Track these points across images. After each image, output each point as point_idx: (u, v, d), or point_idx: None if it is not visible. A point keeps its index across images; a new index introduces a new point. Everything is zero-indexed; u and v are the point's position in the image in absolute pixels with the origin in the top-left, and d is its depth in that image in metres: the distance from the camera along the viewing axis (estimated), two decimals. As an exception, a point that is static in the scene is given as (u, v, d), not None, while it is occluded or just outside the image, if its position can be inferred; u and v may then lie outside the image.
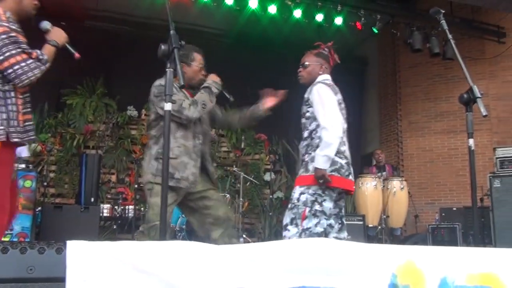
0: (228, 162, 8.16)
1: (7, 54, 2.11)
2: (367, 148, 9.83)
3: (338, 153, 2.79)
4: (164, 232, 1.90)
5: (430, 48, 7.65)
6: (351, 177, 2.82)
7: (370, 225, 6.64)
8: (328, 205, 2.71)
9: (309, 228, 2.66)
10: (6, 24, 2.17)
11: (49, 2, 7.04)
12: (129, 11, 7.46)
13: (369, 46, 9.68)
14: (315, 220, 2.68)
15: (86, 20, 7.66)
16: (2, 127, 2.08)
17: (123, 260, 1.27)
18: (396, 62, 9.32)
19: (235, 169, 7.46)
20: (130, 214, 6.71)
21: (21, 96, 2.20)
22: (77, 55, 2.39)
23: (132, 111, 8.10)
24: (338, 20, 7.11)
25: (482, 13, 8.24)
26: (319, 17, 7.07)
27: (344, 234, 2.87)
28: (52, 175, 7.30)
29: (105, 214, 6.72)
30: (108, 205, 6.99)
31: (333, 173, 2.72)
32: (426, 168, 8.80)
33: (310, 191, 2.72)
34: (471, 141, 2.22)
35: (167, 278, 1.25)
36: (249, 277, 1.21)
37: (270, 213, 7.41)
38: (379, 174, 7.40)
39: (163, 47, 1.83)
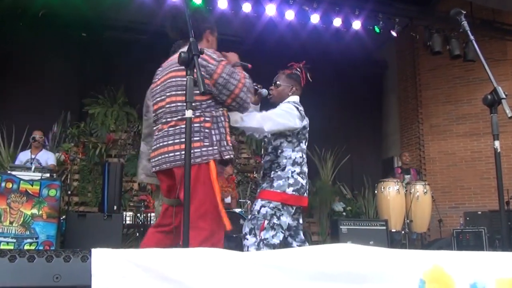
0: (249, 169, 8.16)
1: (232, 87, 2.39)
2: (389, 153, 9.73)
3: (301, 173, 2.98)
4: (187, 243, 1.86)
5: (450, 50, 7.55)
6: (306, 194, 3.01)
7: (393, 230, 6.56)
8: (286, 219, 2.89)
9: (267, 238, 2.84)
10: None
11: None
12: (147, 20, 7.56)
13: (388, 50, 9.61)
14: (272, 232, 2.85)
15: (105, 31, 7.79)
16: (216, 148, 2.36)
17: (148, 268, 1.28)
18: (416, 65, 9.22)
19: (255, 175, 7.46)
20: (152, 222, 6.75)
21: (227, 120, 2.49)
22: (249, 65, 2.74)
23: (152, 119, 8.16)
24: (356, 25, 7.08)
25: (504, 14, 8.12)
26: (337, 22, 7.05)
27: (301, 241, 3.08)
28: (75, 183, 7.41)
29: (127, 222, 6.77)
30: (131, 213, 7.05)
31: (294, 192, 2.91)
32: (449, 172, 8.66)
33: (271, 205, 2.90)
34: (497, 143, 2.17)
35: (191, 285, 1.25)
36: (273, 284, 1.20)
37: (291, 219, 7.36)
38: (405, 176, 7.33)
39: (183, 54, 1.84)
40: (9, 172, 4.98)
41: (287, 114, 2.96)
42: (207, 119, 2.34)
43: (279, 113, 2.97)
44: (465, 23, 2.42)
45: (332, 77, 8.78)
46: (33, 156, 6.13)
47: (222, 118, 2.43)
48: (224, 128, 2.42)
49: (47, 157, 6.23)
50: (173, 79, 2.39)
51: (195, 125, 2.29)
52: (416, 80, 9.20)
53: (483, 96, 2.21)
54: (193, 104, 2.04)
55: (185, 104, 1.88)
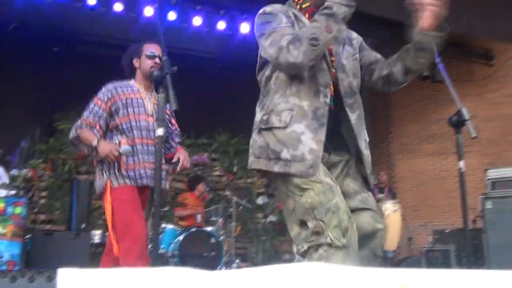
0: (221, 186, 8.13)
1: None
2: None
3: None
4: (156, 253, 1.86)
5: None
6: None
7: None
8: None
9: None
10: None
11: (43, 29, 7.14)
12: (120, 36, 7.53)
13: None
14: None
15: (78, 46, 7.72)
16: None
17: (115, 288, 1.25)
18: (387, 85, 9.43)
19: (227, 193, 7.43)
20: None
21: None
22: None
23: (124, 136, 8.10)
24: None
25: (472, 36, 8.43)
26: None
27: None
28: (42, 201, 7.22)
29: (96, 241, 6.61)
30: (99, 231, 6.90)
31: None
32: (418, 190, 8.83)
33: None
34: (461, 163, 2.24)
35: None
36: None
37: (263, 237, 7.36)
38: (379, 195, 7.43)
39: (155, 72, 1.85)
40: (-27, 188, 4.84)
41: None
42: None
43: None
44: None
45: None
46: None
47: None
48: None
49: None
50: None
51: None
52: (387, 99, 9.41)
53: (448, 118, 2.28)
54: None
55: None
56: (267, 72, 1.99)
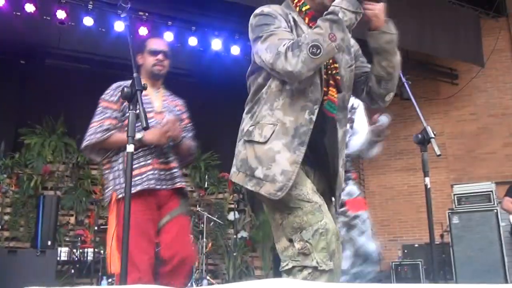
0: (192, 202, 8.06)
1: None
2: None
3: None
4: (125, 274, 1.79)
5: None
6: None
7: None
8: None
9: None
10: None
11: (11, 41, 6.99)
12: (91, 50, 7.45)
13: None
14: None
15: (46, 59, 7.59)
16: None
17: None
18: (356, 102, 9.60)
19: (198, 209, 7.38)
20: (89, 258, 6.47)
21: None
22: None
23: (93, 151, 7.98)
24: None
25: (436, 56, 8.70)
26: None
27: None
28: (6, 217, 7.00)
29: (62, 258, 6.45)
30: (66, 248, 6.73)
31: None
32: (388, 205, 8.97)
33: None
34: (427, 180, 2.29)
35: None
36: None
37: (235, 253, 7.30)
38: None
39: (126, 89, 1.83)
40: None
41: None
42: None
43: None
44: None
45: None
46: None
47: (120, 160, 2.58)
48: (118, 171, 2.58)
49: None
50: None
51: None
52: (356, 116, 9.56)
53: (414, 135, 2.34)
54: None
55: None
56: (259, 79, 1.86)
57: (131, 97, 1.82)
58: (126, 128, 2.46)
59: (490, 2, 8.64)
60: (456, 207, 6.46)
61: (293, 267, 1.69)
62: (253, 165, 1.76)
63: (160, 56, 2.68)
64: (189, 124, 2.85)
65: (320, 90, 1.80)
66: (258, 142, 1.76)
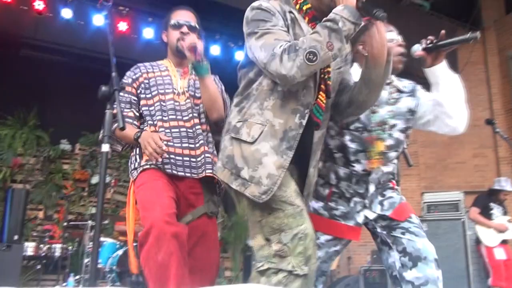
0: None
1: None
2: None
3: None
4: (94, 277, 1.78)
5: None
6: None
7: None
8: None
9: None
10: None
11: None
12: (68, 42, 7.30)
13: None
14: None
15: (22, 49, 7.41)
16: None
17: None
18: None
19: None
20: (56, 253, 6.33)
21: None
22: None
23: (65, 145, 7.85)
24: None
25: (413, 66, 8.84)
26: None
27: None
28: (-28, 210, 6.83)
29: (29, 253, 6.31)
30: (33, 243, 6.59)
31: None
32: (359, 211, 9.07)
33: None
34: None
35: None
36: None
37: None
38: None
39: (103, 88, 1.80)
40: None
41: None
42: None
43: None
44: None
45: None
46: None
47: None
48: None
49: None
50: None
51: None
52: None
53: (388, 146, 2.38)
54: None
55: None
56: (251, 73, 1.81)
57: (108, 97, 1.79)
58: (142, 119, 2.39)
59: (468, 15, 8.85)
60: (425, 215, 6.58)
61: (269, 268, 1.68)
62: (239, 165, 1.72)
63: (184, 29, 2.39)
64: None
65: (313, 94, 1.79)
66: (246, 142, 1.72)
